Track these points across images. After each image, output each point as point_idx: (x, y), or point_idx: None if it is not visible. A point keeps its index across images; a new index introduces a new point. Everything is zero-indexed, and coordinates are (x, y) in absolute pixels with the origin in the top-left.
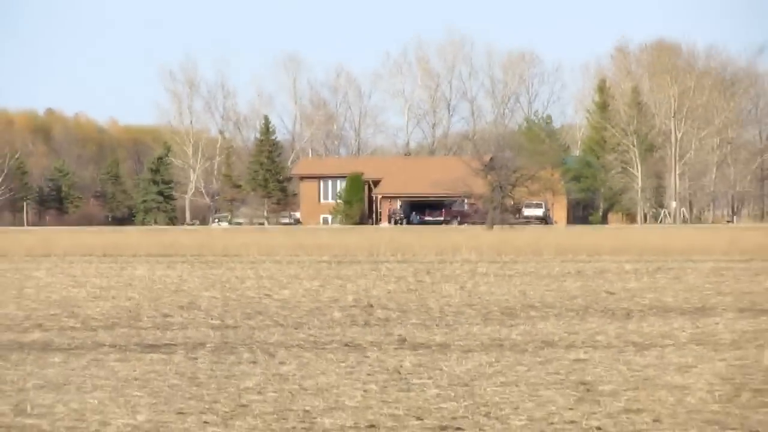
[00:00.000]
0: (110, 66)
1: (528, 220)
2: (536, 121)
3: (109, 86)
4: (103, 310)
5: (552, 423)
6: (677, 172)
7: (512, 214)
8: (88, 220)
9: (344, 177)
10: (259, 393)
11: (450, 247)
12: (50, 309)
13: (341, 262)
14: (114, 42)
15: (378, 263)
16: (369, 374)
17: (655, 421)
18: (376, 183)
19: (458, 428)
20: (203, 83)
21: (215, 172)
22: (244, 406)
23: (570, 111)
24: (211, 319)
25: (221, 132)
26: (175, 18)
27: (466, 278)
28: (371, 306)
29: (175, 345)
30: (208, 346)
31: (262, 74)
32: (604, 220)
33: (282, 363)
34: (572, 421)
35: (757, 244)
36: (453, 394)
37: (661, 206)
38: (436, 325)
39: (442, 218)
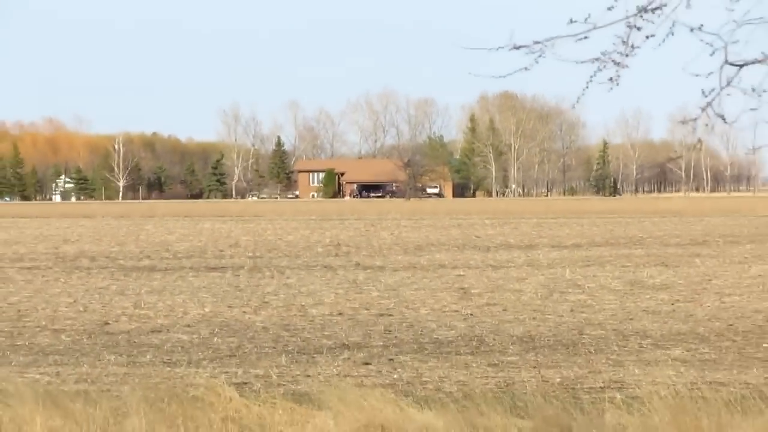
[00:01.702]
0: (190, 104)
1: (429, 196)
2: (434, 139)
3: (188, 116)
4: (185, 247)
5: (444, 311)
6: (515, 168)
7: (420, 192)
8: (176, 197)
9: (323, 171)
10: (275, 295)
11: (385, 211)
12: (154, 247)
13: (322, 219)
14: (192, 89)
15: (343, 220)
16: (338, 284)
17: (503, 310)
18: (342, 174)
19: (390, 315)
20: (242, 117)
21: (249, 168)
22: (266, 302)
23: (453, 133)
24: (247, 252)
25: (253, 145)
26: (226, 79)
27: (394, 228)
28: (339, 244)
29: (226, 268)
30: (245, 268)
31: (276, 111)
32: (473, 195)
33: (288, 278)
34: (456, 311)
35: (563, 209)
36: (387, 295)
37: (507, 187)
38: (377, 255)
39: (380, 194)
